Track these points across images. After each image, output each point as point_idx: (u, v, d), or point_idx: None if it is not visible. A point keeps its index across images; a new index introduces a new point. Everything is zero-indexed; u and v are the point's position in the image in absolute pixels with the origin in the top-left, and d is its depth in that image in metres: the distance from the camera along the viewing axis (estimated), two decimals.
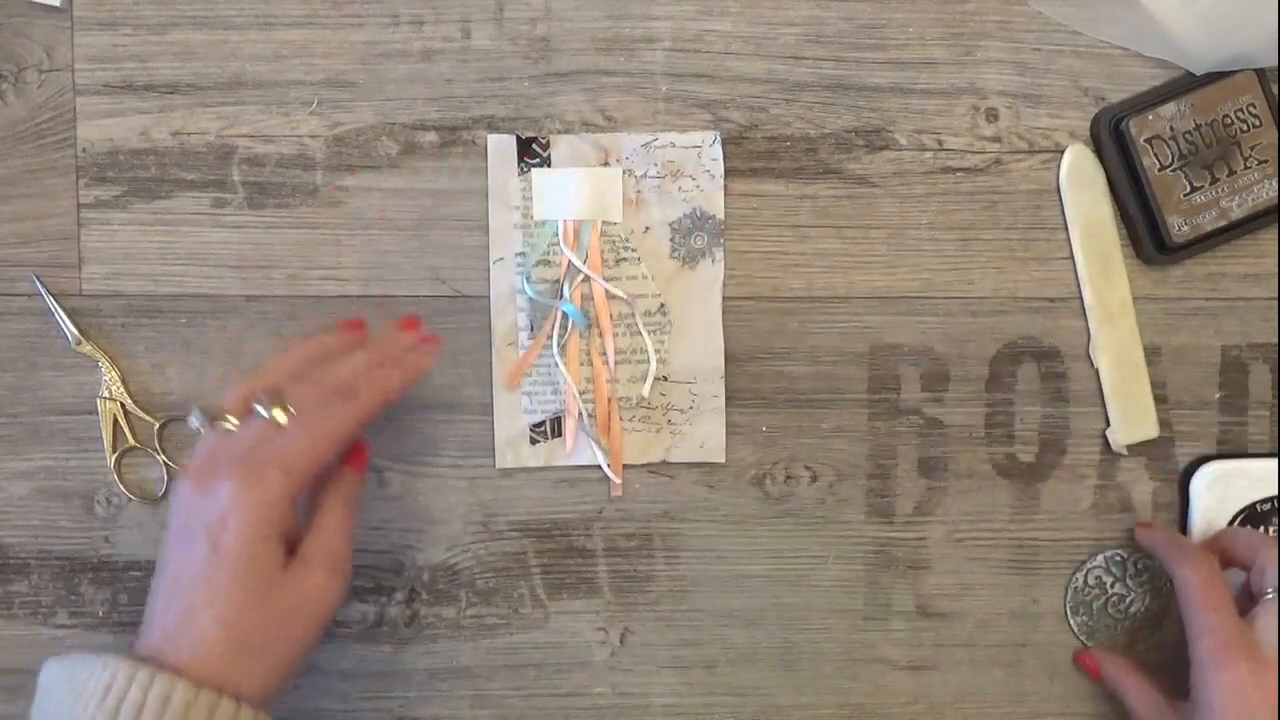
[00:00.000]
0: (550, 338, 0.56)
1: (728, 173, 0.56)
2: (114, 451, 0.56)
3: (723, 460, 0.57)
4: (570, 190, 0.56)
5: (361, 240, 0.56)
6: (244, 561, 0.44)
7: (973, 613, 0.58)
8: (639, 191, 0.56)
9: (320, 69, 0.56)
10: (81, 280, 0.56)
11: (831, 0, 0.56)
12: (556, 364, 0.56)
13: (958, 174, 0.57)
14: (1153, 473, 0.58)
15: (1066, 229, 0.57)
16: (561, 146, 0.56)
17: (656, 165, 0.56)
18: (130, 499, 0.56)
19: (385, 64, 0.56)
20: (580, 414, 0.56)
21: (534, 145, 0.56)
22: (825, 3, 0.56)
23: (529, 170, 0.56)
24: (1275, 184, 0.55)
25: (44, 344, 0.56)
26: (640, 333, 0.56)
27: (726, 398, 0.57)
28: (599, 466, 0.57)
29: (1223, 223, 0.56)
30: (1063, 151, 0.56)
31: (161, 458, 0.56)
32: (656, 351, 0.56)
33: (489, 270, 0.56)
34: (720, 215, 0.56)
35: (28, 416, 0.56)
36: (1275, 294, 0.57)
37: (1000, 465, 0.57)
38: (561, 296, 0.56)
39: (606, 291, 0.56)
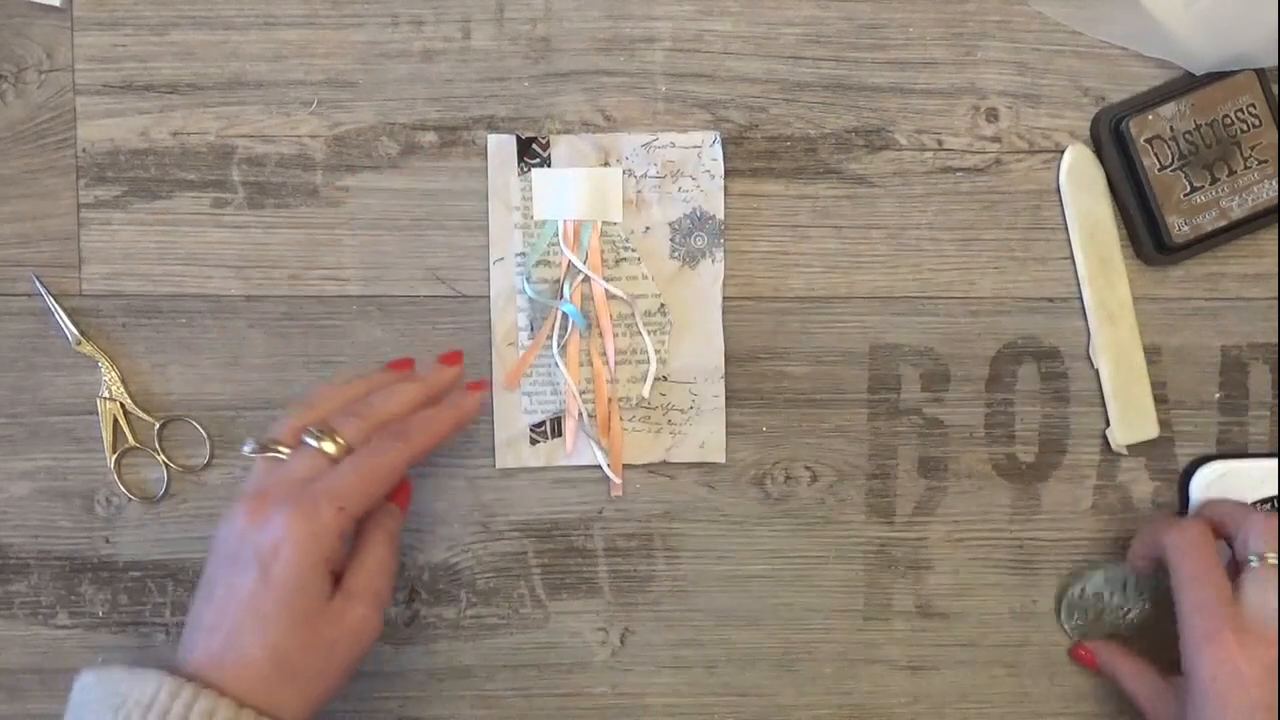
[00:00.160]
0: (550, 338, 0.56)
1: (728, 173, 0.56)
2: (114, 451, 0.56)
3: (723, 460, 0.57)
4: (570, 190, 0.56)
5: (361, 240, 0.56)
6: (293, 590, 0.45)
7: (973, 613, 0.58)
8: (639, 191, 0.56)
9: (320, 69, 0.56)
10: (81, 280, 0.56)
11: (831, 0, 0.56)
12: (556, 364, 0.56)
13: (958, 174, 0.57)
14: (1153, 473, 0.58)
15: (1066, 229, 0.57)
16: (561, 146, 0.56)
17: (656, 165, 0.56)
18: (130, 499, 0.56)
19: (385, 64, 0.56)
20: (580, 414, 0.56)
21: (534, 145, 0.56)
22: (825, 3, 0.56)
23: (529, 170, 0.56)
24: (1275, 184, 0.55)
25: (44, 344, 0.56)
26: (640, 333, 0.56)
27: (726, 398, 0.57)
28: (599, 466, 0.57)
29: (1223, 223, 0.56)
30: (1063, 151, 0.56)
31: (161, 458, 0.56)
32: (656, 351, 0.56)
33: (489, 270, 0.56)
34: (720, 215, 0.56)
35: (28, 416, 0.56)
36: (1275, 294, 0.57)
37: (1000, 465, 0.57)
38: (561, 296, 0.56)
39: (606, 291, 0.56)
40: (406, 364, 0.55)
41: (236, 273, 0.56)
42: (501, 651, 0.57)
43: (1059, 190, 0.57)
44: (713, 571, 0.58)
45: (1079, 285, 0.57)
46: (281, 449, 0.49)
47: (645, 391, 0.56)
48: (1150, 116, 0.55)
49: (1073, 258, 0.57)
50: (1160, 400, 0.57)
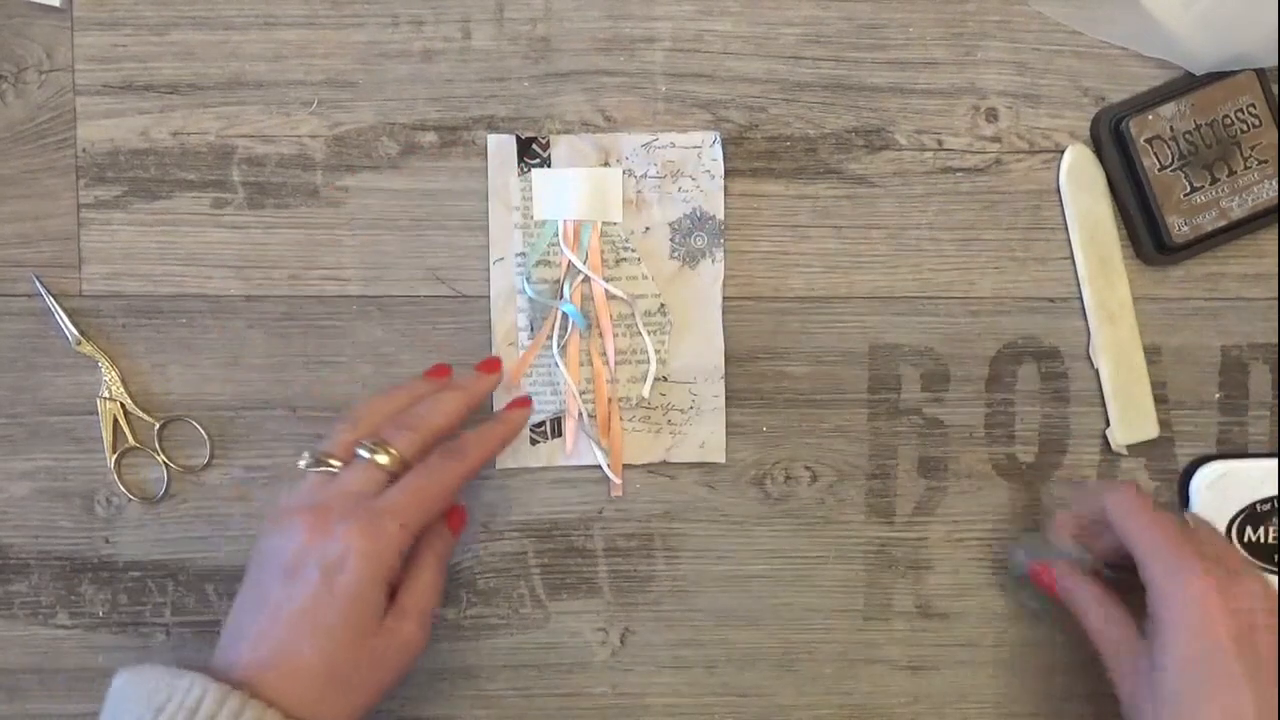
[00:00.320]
0: (550, 338, 0.56)
1: (728, 173, 0.56)
2: (114, 452, 0.56)
3: (723, 460, 0.57)
4: (570, 190, 0.56)
5: (361, 240, 0.56)
6: (354, 603, 0.46)
7: (973, 613, 0.58)
8: (639, 191, 0.56)
9: (320, 69, 0.56)
10: (81, 280, 0.56)
11: (831, 0, 0.56)
12: (556, 364, 0.56)
13: (958, 174, 0.57)
14: (1153, 473, 0.58)
15: (1066, 229, 0.57)
16: (561, 146, 0.56)
17: (656, 165, 0.56)
18: (130, 499, 0.56)
19: (385, 64, 0.56)
20: (580, 414, 0.56)
21: (534, 145, 0.56)
22: (825, 3, 0.56)
23: (529, 170, 0.56)
24: (1275, 184, 0.55)
25: (44, 344, 0.56)
26: (640, 333, 0.56)
27: (726, 398, 0.57)
28: (599, 466, 0.57)
29: (1223, 223, 0.56)
30: (1063, 151, 0.56)
31: (161, 458, 0.56)
32: (656, 352, 0.56)
33: (489, 270, 0.56)
34: (720, 215, 0.56)
35: (28, 416, 0.56)
36: (1275, 294, 0.57)
37: (1000, 465, 0.57)
38: (561, 297, 0.56)
39: (606, 292, 0.56)
40: (444, 371, 0.55)
41: (236, 273, 0.56)
42: (502, 651, 0.57)
43: (1059, 190, 0.57)
44: (713, 571, 0.58)
45: (1079, 285, 0.57)
46: (334, 462, 0.50)
47: (645, 391, 0.56)
48: (1150, 116, 0.55)
49: (1073, 258, 0.57)
50: (1160, 400, 0.57)
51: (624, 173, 0.56)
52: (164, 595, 0.57)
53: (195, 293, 0.56)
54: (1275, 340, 0.57)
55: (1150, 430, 0.57)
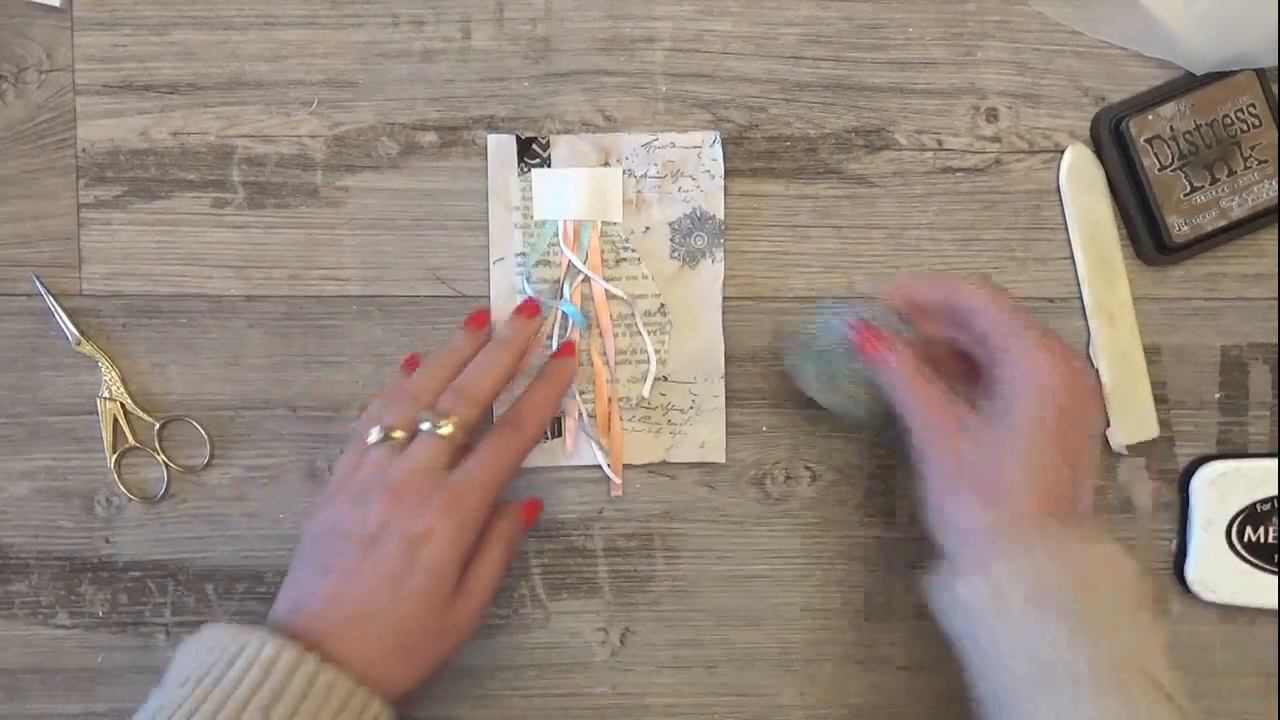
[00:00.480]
0: (550, 338, 0.56)
1: (728, 173, 0.56)
2: (114, 451, 0.56)
3: (723, 460, 0.57)
4: (570, 190, 0.56)
5: (361, 240, 0.56)
6: (433, 577, 0.48)
7: None
8: (639, 191, 0.56)
9: (320, 69, 0.56)
10: (81, 280, 0.56)
11: (831, 0, 0.56)
12: None
13: (958, 174, 0.57)
14: (1153, 473, 0.58)
15: (1066, 229, 0.57)
16: (561, 146, 0.56)
17: (656, 165, 0.56)
18: (130, 499, 0.56)
19: (385, 64, 0.56)
20: (580, 414, 0.56)
21: (534, 145, 0.56)
22: (825, 3, 0.56)
23: (529, 170, 0.56)
24: (1275, 184, 0.55)
25: (44, 344, 0.56)
26: (640, 333, 0.56)
27: (726, 398, 0.57)
28: (599, 466, 0.57)
29: (1223, 223, 0.56)
30: (1063, 151, 0.56)
31: (161, 458, 0.56)
32: (656, 351, 0.56)
33: (489, 270, 0.56)
34: (720, 215, 0.56)
35: (28, 416, 0.56)
36: (1275, 294, 0.57)
37: None
38: (561, 296, 0.56)
39: (606, 291, 0.56)
40: (484, 319, 0.55)
41: (236, 273, 0.56)
42: (502, 651, 0.57)
43: (1059, 190, 0.57)
44: (713, 571, 0.58)
45: (1079, 285, 0.57)
46: (398, 434, 0.50)
47: (645, 391, 0.56)
48: (1150, 116, 0.55)
49: (1073, 258, 0.57)
50: (1160, 400, 0.57)
51: (624, 173, 0.56)
52: (164, 595, 0.57)
53: (195, 293, 0.56)
54: (1275, 340, 0.57)
55: (1150, 430, 0.57)
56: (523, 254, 0.56)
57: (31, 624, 0.57)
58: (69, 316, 0.56)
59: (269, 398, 0.56)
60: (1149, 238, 0.56)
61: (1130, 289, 0.57)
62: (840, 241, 0.57)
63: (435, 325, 0.56)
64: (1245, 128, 0.55)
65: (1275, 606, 0.57)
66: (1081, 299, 0.57)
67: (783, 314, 0.57)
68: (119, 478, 0.56)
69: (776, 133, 0.56)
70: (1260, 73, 0.55)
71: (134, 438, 0.56)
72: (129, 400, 0.56)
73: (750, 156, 0.56)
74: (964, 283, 0.50)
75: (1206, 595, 0.57)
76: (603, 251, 0.56)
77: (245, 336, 0.56)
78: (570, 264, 0.56)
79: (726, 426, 0.57)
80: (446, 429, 0.50)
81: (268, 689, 0.44)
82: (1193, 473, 0.57)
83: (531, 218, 0.56)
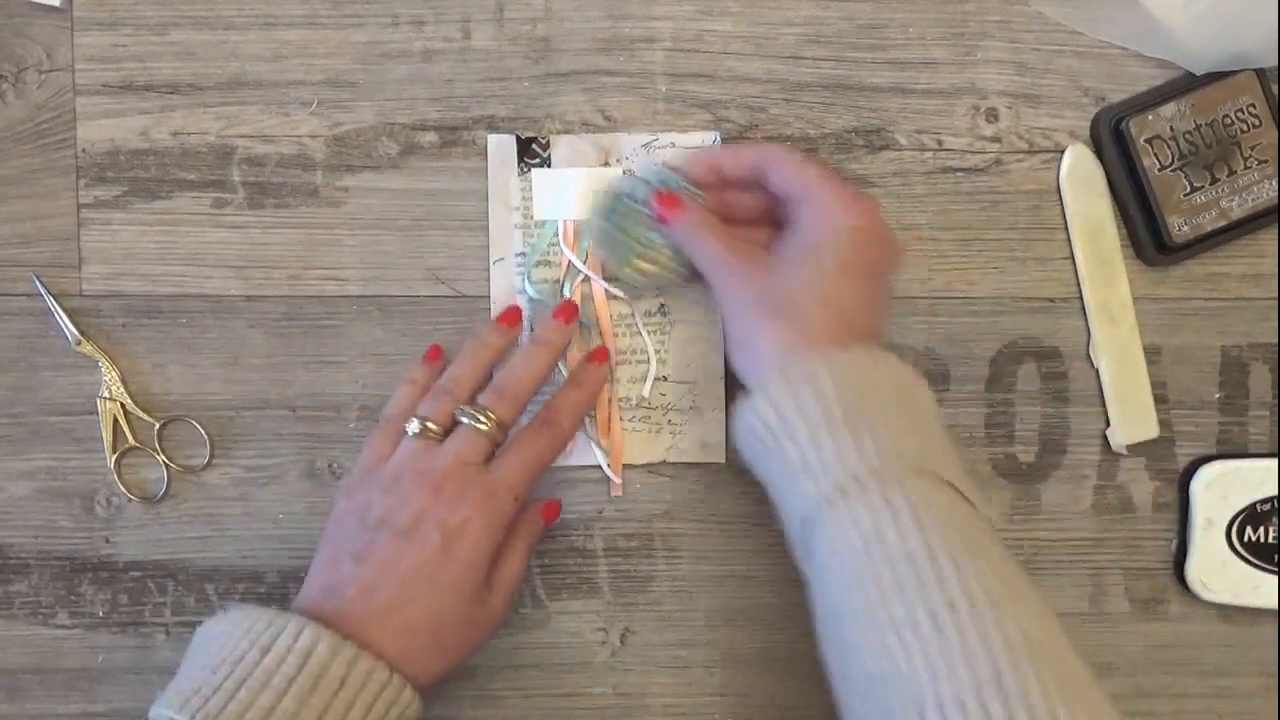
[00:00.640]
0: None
1: None
2: (114, 451, 0.56)
3: (723, 460, 0.57)
4: (570, 190, 0.56)
5: (361, 240, 0.56)
6: (468, 569, 0.49)
7: None
8: None
9: (320, 69, 0.56)
10: (81, 280, 0.56)
11: (831, 0, 0.56)
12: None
13: (958, 174, 0.57)
14: (1153, 473, 0.58)
15: (1066, 229, 0.57)
16: (561, 146, 0.56)
17: (657, 165, 0.56)
18: (130, 499, 0.56)
19: (385, 64, 0.56)
20: None
21: (534, 145, 0.56)
22: (825, 3, 0.56)
23: (529, 170, 0.56)
24: (1275, 184, 0.55)
25: (44, 344, 0.56)
26: (640, 333, 0.56)
27: (726, 398, 0.57)
28: (599, 466, 0.57)
29: (1223, 223, 0.56)
30: (1063, 151, 0.56)
31: (161, 458, 0.56)
32: (656, 351, 0.56)
33: (489, 270, 0.56)
34: None
35: (28, 416, 0.56)
36: (1275, 294, 0.57)
37: (1000, 465, 0.57)
38: (561, 297, 0.56)
39: (606, 291, 0.56)
40: (515, 316, 0.55)
41: (236, 273, 0.56)
42: (502, 651, 0.57)
43: (1059, 190, 0.57)
44: (713, 571, 0.58)
45: (1079, 285, 0.57)
46: (433, 427, 0.51)
47: (645, 391, 0.56)
48: (1150, 116, 0.55)
49: (1073, 258, 0.57)
50: (1160, 400, 0.57)
51: (624, 173, 0.56)
52: (164, 595, 0.57)
53: (195, 293, 0.56)
54: (1275, 340, 0.57)
55: (1150, 430, 0.57)
56: (523, 254, 0.56)
57: (31, 624, 0.57)
58: (69, 316, 0.56)
59: (269, 398, 0.56)
60: (1149, 238, 0.56)
61: (1130, 289, 0.57)
62: None
63: (435, 325, 0.56)
64: (1245, 128, 0.55)
65: (1275, 606, 0.57)
66: (1081, 299, 0.57)
67: None
68: (119, 478, 0.56)
69: (776, 133, 0.56)
70: (1260, 73, 0.55)
71: (134, 438, 0.56)
72: (129, 400, 0.56)
73: None
74: (765, 147, 0.53)
75: (1206, 595, 0.57)
76: None
77: (245, 336, 0.56)
78: (570, 264, 0.56)
79: (726, 426, 0.57)
80: (484, 425, 0.51)
81: (306, 677, 0.44)
82: (1193, 473, 0.57)
83: (531, 218, 0.56)
